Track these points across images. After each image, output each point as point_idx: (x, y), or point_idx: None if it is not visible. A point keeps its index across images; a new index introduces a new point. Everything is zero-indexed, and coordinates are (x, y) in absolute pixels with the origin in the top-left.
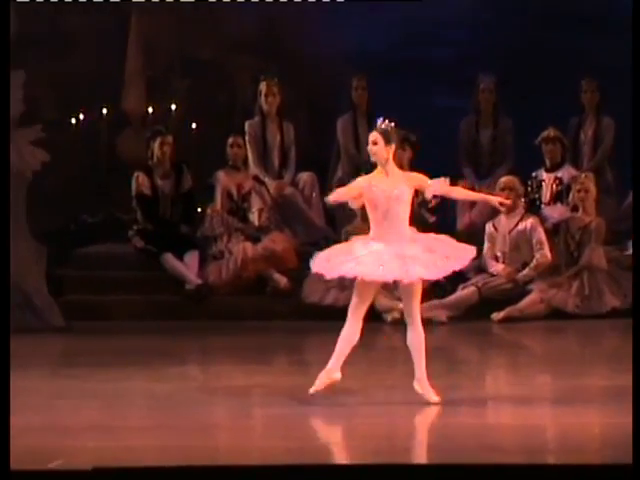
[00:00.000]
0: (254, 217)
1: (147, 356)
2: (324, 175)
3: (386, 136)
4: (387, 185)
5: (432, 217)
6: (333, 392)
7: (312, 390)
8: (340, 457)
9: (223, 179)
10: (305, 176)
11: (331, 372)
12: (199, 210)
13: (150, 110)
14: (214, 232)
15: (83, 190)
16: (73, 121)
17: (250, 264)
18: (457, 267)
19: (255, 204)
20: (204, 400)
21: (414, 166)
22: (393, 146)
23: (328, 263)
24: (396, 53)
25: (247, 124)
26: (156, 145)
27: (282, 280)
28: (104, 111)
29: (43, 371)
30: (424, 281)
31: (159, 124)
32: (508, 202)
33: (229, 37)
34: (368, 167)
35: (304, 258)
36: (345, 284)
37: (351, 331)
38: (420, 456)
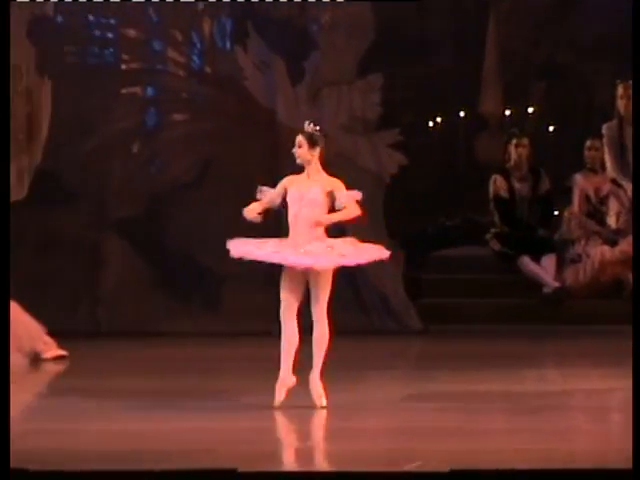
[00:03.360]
0: (612, 220)
1: (503, 359)
2: None
3: (311, 139)
4: (304, 187)
5: None
6: None
7: (276, 403)
8: None
9: (581, 182)
10: None
11: (285, 380)
12: (556, 213)
13: (507, 113)
14: (572, 235)
15: (440, 193)
16: (430, 124)
17: (608, 267)
18: (348, 264)
19: (613, 207)
20: (562, 404)
21: None
22: (318, 149)
23: (243, 246)
24: None
25: (604, 127)
26: (512, 147)
27: None
28: (461, 114)
29: (399, 373)
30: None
31: (516, 127)
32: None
33: (584, 41)
34: None
35: None
36: None
37: (290, 333)
38: None
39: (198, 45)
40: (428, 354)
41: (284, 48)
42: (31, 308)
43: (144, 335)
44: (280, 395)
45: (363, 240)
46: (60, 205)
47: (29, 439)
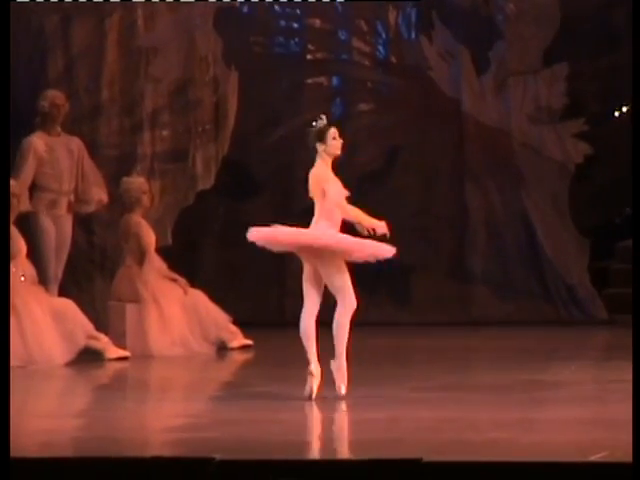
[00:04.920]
0: None
1: None
2: None
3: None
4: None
5: None
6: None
7: (313, 396)
8: None
9: None
10: None
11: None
12: None
13: None
14: None
15: (627, 183)
16: (616, 114)
17: None
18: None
19: None
20: None
21: None
22: None
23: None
24: None
25: None
26: None
27: None
28: None
29: (585, 363)
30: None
31: None
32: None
33: None
34: None
35: None
36: None
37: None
38: None
39: (383, 35)
40: (614, 344)
41: (469, 38)
42: (217, 297)
43: (329, 325)
44: (313, 387)
45: None
46: (246, 195)
47: (217, 428)
